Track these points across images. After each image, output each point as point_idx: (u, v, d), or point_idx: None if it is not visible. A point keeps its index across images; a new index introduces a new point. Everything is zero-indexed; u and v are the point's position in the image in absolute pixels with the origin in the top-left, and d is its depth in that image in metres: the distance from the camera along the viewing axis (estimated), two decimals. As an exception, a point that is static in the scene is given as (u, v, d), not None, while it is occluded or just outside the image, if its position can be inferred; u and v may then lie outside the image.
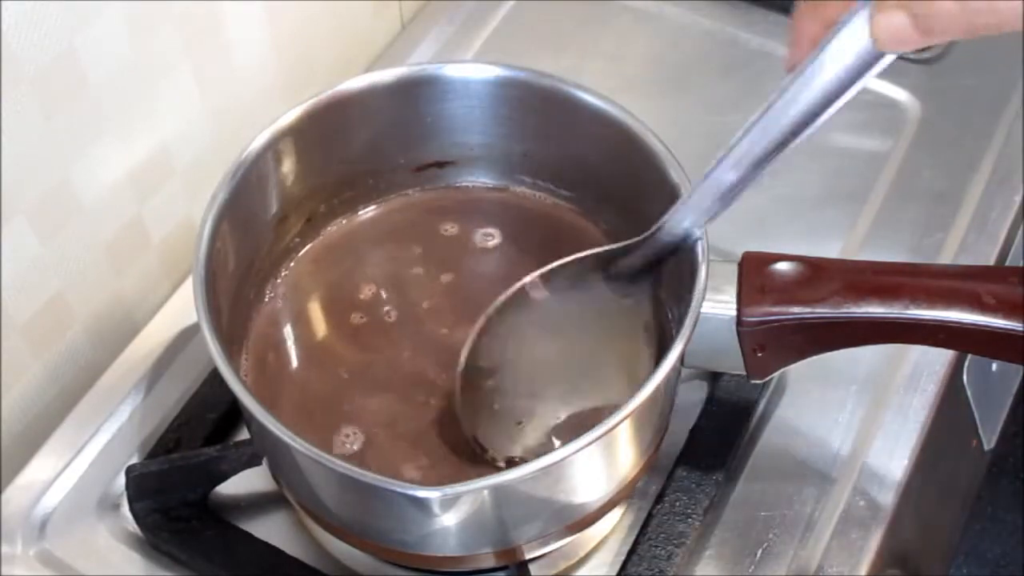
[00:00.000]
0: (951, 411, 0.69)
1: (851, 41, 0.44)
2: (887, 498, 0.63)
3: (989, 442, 0.77)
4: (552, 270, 0.56)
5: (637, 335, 0.58)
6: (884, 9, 0.42)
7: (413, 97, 0.61)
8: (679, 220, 0.53)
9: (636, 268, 0.56)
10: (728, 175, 0.50)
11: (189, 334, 0.69)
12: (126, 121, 0.65)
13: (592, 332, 0.58)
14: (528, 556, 0.56)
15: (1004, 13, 0.40)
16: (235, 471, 0.60)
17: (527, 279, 0.56)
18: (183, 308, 0.70)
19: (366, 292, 0.61)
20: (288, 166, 0.59)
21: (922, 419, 0.65)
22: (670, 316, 0.58)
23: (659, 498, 0.61)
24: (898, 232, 0.73)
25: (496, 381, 0.57)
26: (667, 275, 0.59)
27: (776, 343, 0.55)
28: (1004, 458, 0.99)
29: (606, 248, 0.56)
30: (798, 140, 0.48)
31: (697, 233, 0.53)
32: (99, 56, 0.61)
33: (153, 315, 0.70)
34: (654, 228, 0.53)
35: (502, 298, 0.56)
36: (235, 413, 0.65)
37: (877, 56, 0.44)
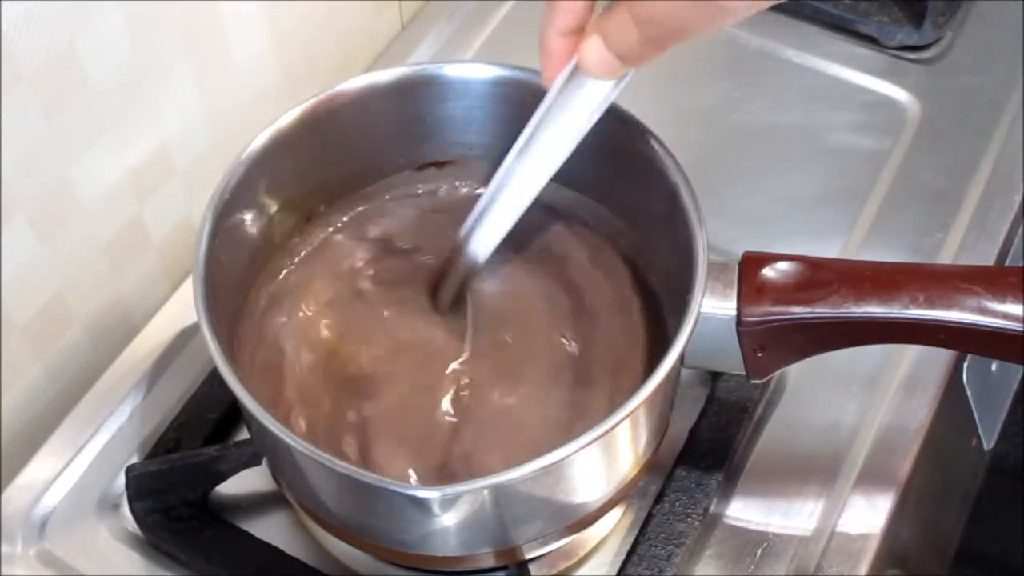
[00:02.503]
0: (951, 411, 0.69)
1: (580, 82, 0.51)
2: (887, 498, 0.63)
3: (989, 442, 0.77)
4: None
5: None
6: (586, 37, 0.49)
7: (413, 97, 0.61)
8: (475, 232, 0.57)
9: (452, 290, 0.59)
10: (513, 185, 0.55)
11: (189, 334, 0.69)
12: (126, 121, 0.65)
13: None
14: (528, 556, 0.56)
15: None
16: (235, 471, 0.60)
17: None
18: (183, 308, 0.70)
19: (366, 292, 0.61)
20: (288, 166, 0.59)
21: (922, 419, 0.65)
22: (668, 316, 0.58)
23: (659, 498, 0.61)
24: (898, 232, 0.73)
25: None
26: (667, 272, 0.59)
27: (776, 343, 0.55)
28: (1004, 458, 0.99)
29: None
30: (568, 152, 0.54)
31: (488, 252, 0.57)
32: (99, 56, 0.61)
33: (153, 315, 0.70)
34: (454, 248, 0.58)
35: None
36: (235, 413, 0.65)
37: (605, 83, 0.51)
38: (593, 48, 0.49)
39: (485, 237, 0.57)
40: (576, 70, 0.51)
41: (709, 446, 0.63)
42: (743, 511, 0.62)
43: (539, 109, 0.53)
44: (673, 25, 0.46)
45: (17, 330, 0.64)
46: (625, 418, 0.49)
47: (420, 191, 0.64)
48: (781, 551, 0.61)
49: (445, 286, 0.59)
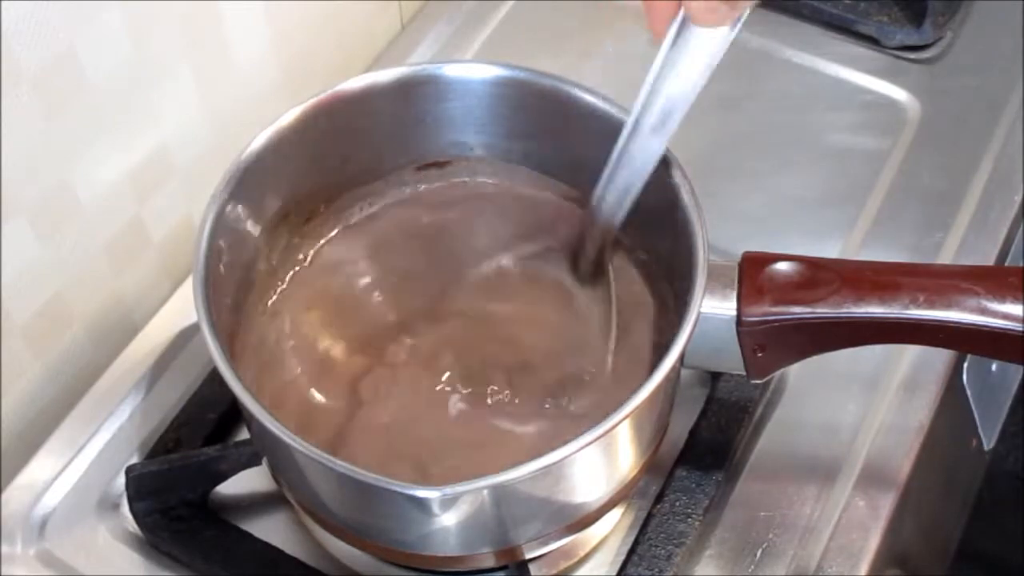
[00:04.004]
0: (951, 411, 0.69)
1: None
2: (887, 498, 0.63)
3: (989, 442, 0.77)
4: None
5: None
6: None
7: (413, 97, 0.61)
8: (603, 202, 0.56)
9: (591, 258, 0.59)
10: (637, 143, 0.54)
11: (189, 334, 0.69)
12: (126, 121, 0.65)
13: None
14: (528, 556, 0.56)
15: None
16: (235, 471, 0.60)
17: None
18: (183, 308, 0.70)
19: (367, 292, 0.61)
20: (288, 166, 0.59)
21: (922, 419, 0.65)
22: (669, 316, 0.58)
23: (659, 498, 0.61)
24: (898, 232, 0.73)
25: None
26: (667, 272, 0.59)
27: (776, 343, 0.55)
28: (1004, 458, 0.99)
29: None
30: (685, 108, 0.53)
31: (623, 213, 0.56)
32: (99, 56, 0.61)
33: (153, 315, 0.70)
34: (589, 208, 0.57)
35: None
36: (235, 413, 0.65)
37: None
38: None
39: (618, 197, 0.56)
40: (686, 20, 0.50)
41: (709, 446, 0.63)
42: (743, 511, 0.62)
43: (655, 64, 0.52)
44: None
45: (17, 330, 0.64)
46: (625, 418, 0.49)
47: (420, 191, 0.64)
48: (781, 551, 0.61)
49: (583, 256, 0.59)
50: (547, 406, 0.57)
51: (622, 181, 0.56)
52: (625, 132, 0.54)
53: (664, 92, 0.53)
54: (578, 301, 0.60)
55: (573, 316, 0.59)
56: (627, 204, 0.56)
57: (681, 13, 0.50)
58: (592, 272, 0.59)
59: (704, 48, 0.51)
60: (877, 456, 0.64)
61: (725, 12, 0.48)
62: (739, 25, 0.50)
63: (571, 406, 0.57)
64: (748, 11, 0.49)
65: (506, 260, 0.61)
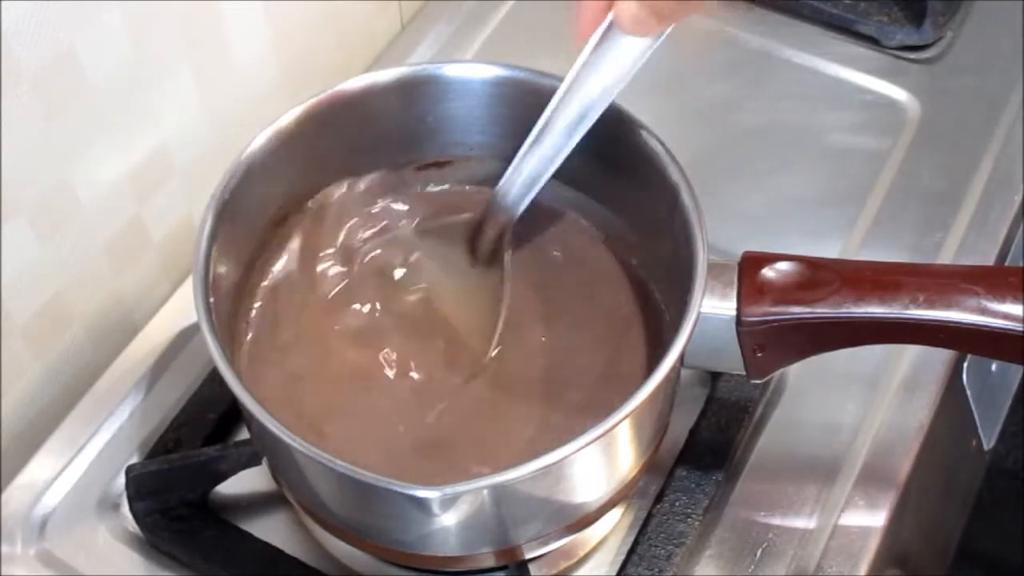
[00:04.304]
0: (951, 411, 0.69)
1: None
2: (887, 498, 0.63)
3: (989, 442, 0.77)
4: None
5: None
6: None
7: (413, 97, 0.61)
8: (508, 190, 0.58)
9: (491, 241, 0.60)
10: (549, 139, 0.56)
11: (189, 334, 0.69)
12: (126, 121, 0.65)
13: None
14: (528, 556, 0.56)
15: None
16: (235, 471, 0.60)
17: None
18: (183, 308, 0.70)
19: (367, 292, 0.61)
20: (288, 166, 0.59)
21: (922, 419, 0.65)
22: (668, 316, 0.58)
23: (659, 498, 0.61)
24: (898, 232, 0.73)
25: None
26: (666, 272, 0.59)
27: (776, 343, 0.55)
28: (1004, 458, 0.99)
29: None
30: (600, 110, 0.55)
31: (524, 204, 0.58)
32: (99, 56, 0.61)
33: (153, 315, 0.70)
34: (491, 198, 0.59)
35: None
36: (235, 413, 0.65)
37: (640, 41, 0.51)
38: (629, 7, 0.49)
39: (522, 190, 0.58)
40: (612, 26, 0.51)
41: (709, 446, 0.63)
42: (743, 511, 0.62)
43: (575, 64, 0.54)
44: None
45: (17, 330, 0.64)
46: (625, 418, 0.49)
47: (420, 191, 0.64)
48: (781, 551, 0.61)
49: (482, 240, 0.60)
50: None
51: (529, 174, 0.58)
52: (538, 127, 0.56)
53: (582, 93, 0.54)
54: (472, 283, 0.61)
55: (468, 298, 0.61)
56: (530, 196, 0.58)
57: (609, 18, 0.51)
58: (489, 258, 0.60)
59: (627, 55, 0.52)
60: (877, 456, 0.64)
61: (653, 24, 0.49)
62: (663, 37, 0.51)
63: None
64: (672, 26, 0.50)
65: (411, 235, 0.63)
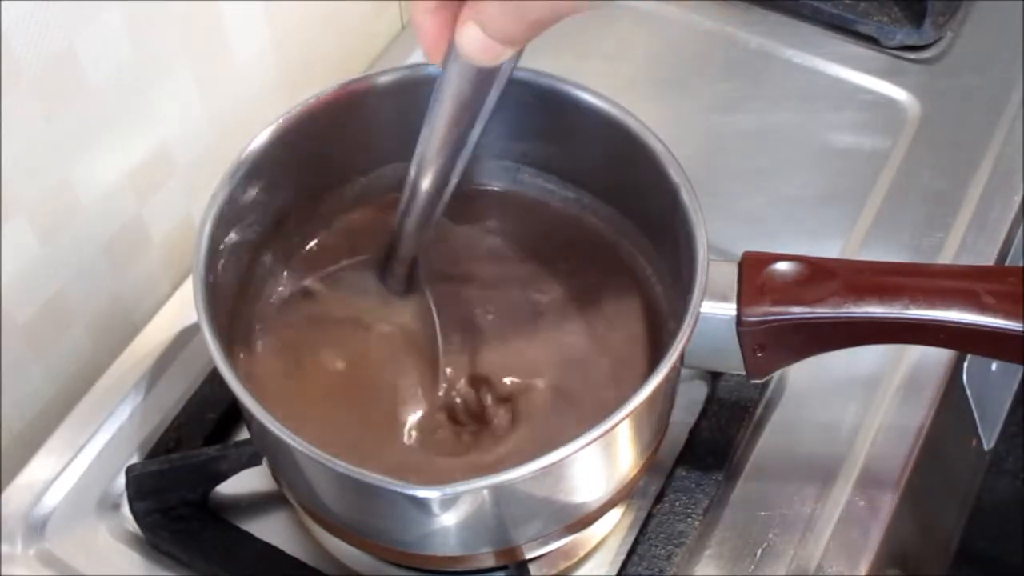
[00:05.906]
0: (951, 411, 0.69)
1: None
2: (887, 498, 0.63)
3: (989, 442, 0.77)
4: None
5: None
6: (461, 25, 0.45)
7: (413, 97, 0.60)
8: (405, 222, 0.56)
9: (404, 267, 0.59)
10: (423, 181, 0.54)
11: (189, 334, 0.69)
12: (126, 121, 0.65)
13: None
14: (528, 556, 0.56)
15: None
16: (235, 471, 0.60)
17: None
18: (183, 308, 0.70)
19: (367, 292, 0.61)
20: (288, 166, 0.59)
21: (922, 419, 0.65)
22: (668, 316, 0.58)
23: (659, 498, 0.61)
24: (898, 232, 0.73)
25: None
26: (666, 272, 0.59)
27: (776, 343, 0.55)
28: (1004, 458, 0.99)
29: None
30: (473, 138, 0.52)
31: (425, 235, 0.57)
32: (99, 56, 0.61)
33: (153, 315, 0.70)
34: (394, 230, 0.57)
35: None
36: (235, 413, 0.65)
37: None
38: (472, 37, 0.45)
39: (417, 221, 0.56)
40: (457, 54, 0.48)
41: (709, 446, 0.63)
42: (743, 511, 0.62)
43: (436, 85, 0.51)
44: (552, 5, 0.43)
45: (17, 330, 0.64)
46: (625, 418, 0.49)
47: (420, 191, 0.64)
48: (781, 551, 0.61)
49: (393, 268, 0.59)
50: None
51: (416, 216, 0.56)
52: (416, 157, 0.54)
53: (448, 117, 0.51)
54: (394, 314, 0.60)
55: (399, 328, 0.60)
56: (429, 230, 0.56)
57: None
58: (405, 288, 0.59)
59: (484, 74, 0.49)
60: (877, 456, 0.64)
61: (499, 51, 0.45)
62: (518, 60, 0.48)
63: None
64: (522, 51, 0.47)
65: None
